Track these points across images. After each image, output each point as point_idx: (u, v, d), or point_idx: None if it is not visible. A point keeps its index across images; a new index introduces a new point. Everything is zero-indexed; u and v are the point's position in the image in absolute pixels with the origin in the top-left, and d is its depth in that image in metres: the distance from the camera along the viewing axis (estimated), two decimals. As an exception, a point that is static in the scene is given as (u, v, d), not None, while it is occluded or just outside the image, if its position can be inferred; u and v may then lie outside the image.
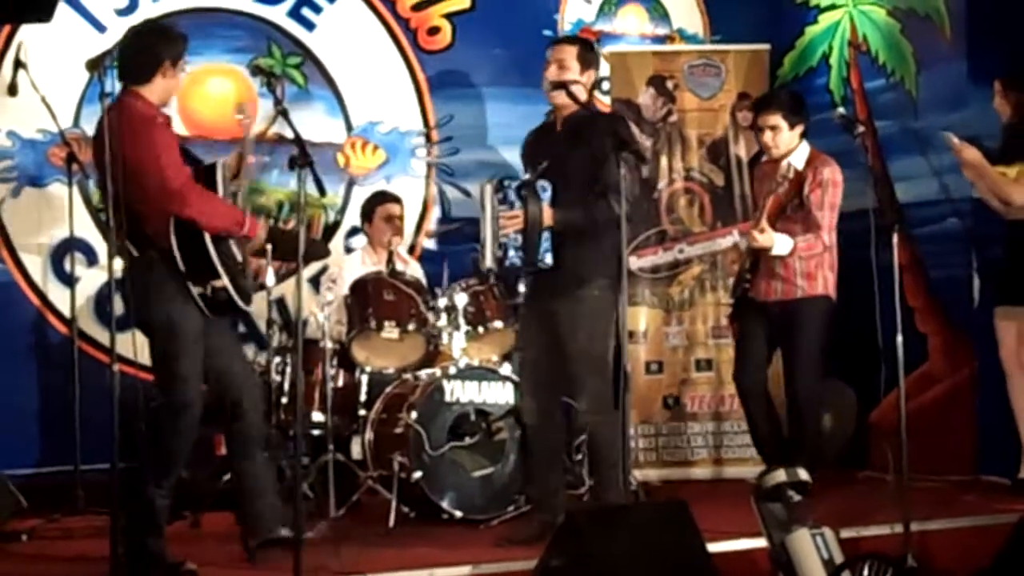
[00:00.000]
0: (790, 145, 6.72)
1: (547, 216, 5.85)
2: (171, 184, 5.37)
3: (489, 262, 5.99)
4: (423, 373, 6.78)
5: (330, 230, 8.00)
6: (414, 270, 7.50)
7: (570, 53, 6.07)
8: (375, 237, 7.54)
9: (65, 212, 6.92)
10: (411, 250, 8.04)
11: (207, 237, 5.45)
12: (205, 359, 5.58)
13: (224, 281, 5.47)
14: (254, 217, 5.80)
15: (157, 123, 5.50)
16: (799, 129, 6.73)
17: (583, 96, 6.02)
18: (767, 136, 6.77)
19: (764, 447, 6.93)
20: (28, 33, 7.26)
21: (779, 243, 6.53)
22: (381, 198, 7.66)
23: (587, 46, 6.20)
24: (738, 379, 6.88)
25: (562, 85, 5.95)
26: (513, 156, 8.15)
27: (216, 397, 5.71)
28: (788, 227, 6.59)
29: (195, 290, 5.45)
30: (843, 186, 6.69)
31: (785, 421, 6.83)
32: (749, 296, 6.77)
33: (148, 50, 5.54)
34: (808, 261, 6.64)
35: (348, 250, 7.89)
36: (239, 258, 5.65)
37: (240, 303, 5.56)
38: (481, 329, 6.81)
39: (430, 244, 8.21)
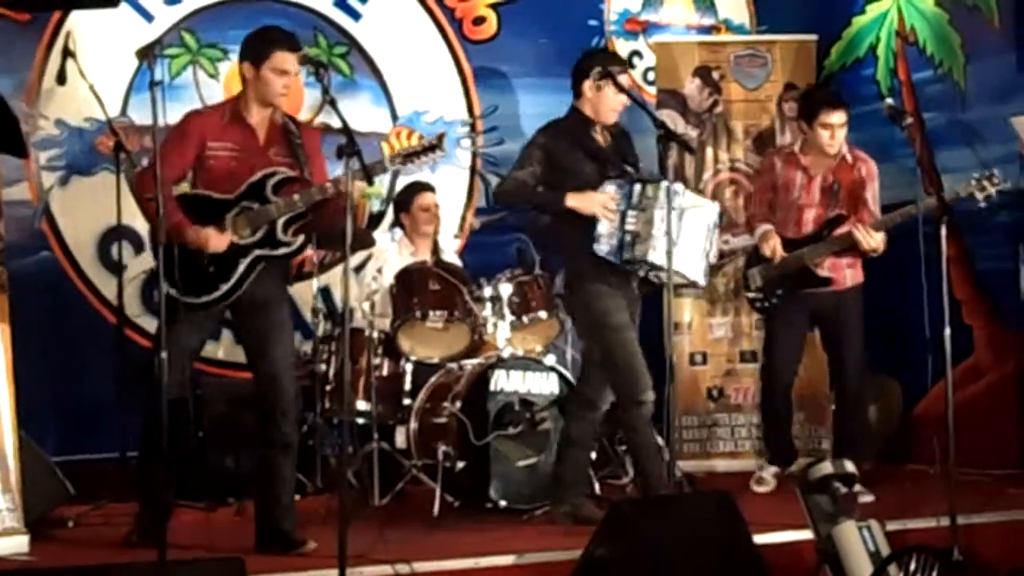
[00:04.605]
0: None
1: None
2: None
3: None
4: (468, 363, 6.79)
5: (375, 220, 8.01)
6: (451, 260, 7.45)
7: None
8: (413, 227, 7.52)
9: (113, 200, 6.94)
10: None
11: None
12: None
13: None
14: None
15: None
16: None
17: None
18: (835, 134, 6.66)
19: (776, 444, 6.94)
20: (77, 22, 7.31)
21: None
22: (418, 188, 7.64)
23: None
24: (773, 372, 6.86)
25: None
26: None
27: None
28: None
29: None
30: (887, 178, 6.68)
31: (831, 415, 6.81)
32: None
33: None
34: (854, 250, 6.64)
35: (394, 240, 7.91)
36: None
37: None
38: (526, 319, 6.80)
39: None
